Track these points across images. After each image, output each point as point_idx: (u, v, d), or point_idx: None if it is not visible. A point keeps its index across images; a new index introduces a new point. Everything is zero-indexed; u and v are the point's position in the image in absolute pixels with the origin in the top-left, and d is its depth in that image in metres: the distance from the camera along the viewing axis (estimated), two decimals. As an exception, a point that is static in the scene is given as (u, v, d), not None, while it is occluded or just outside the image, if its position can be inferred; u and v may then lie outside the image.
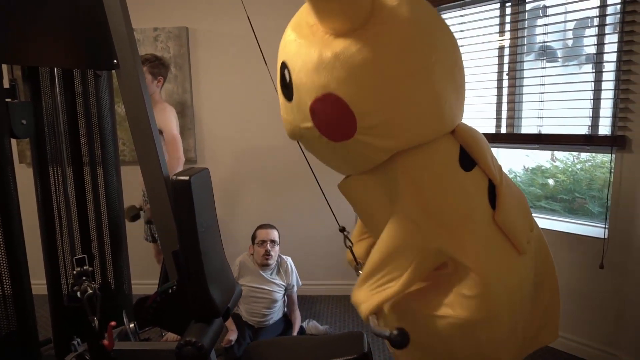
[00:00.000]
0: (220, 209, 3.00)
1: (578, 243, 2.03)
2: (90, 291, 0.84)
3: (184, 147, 2.78)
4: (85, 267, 0.84)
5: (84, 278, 0.84)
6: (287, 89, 1.11)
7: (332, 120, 1.03)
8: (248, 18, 1.43)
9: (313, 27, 1.03)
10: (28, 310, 1.04)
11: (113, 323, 0.93)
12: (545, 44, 2.16)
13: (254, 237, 2.50)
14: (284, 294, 2.52)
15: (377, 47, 0.95)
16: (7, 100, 1.09)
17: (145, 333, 1.17)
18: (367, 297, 1.08)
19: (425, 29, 1.00)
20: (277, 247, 2.50)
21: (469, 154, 1.08)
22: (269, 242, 2.44)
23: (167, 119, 2.29)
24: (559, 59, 2.25)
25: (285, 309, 2.55)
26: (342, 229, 1.32)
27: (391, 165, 1.07)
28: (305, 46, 1.03)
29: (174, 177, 1.05)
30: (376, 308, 1.07)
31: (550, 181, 3.00)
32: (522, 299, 1.06)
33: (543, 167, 3.03)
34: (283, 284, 2.51)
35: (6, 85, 1.12)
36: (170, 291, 1.15)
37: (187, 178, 1.05)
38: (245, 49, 2.60)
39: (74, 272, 0.86)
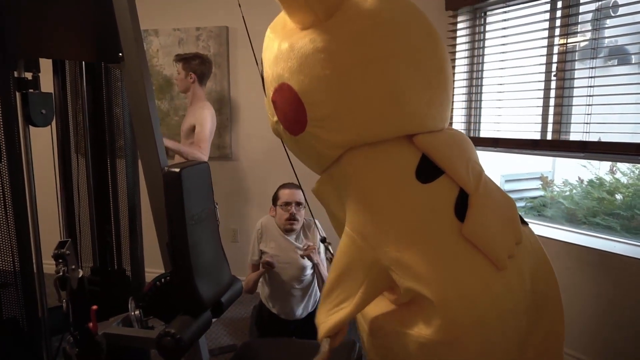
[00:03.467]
0: (253, 205, 3.06)
1: (630, 265, 1.80)
2: (60, 274, 0.87)
3: (221, 143, 2.86)
4: (62, 250, 0.87)
5: (60, 260, 0.87)
6: (263, 84, 1.14)
7: (286, 111, 1.03)
8: (243, 17, 1.44)
9: (286, 22, 1.03)
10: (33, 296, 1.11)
11: (95, 307, 0.96)
12: (602, 43, 1.95)
13: (275, 198, 2.23)
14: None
15: (330, 38, 0.93)
16: (29, 90, 1.18)
17: (151, 320, 1.19)
18: (324, 318, 1.03)
19: (387, 23, 0.95)
20: (302, 210, 2.19)
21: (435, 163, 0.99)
22: (294, 204, 2.14)
23: (204, 118, 2.35)
24: (613, 60, 2.02)
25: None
26: (324, 240, 1.28)
27: (344, 167, 1.01)
28: (272, 39, 1.05)
29: (165, 168, 1.07)
30: (331, 330, 1.01)
31: (618, 196, 2.72)
32: (501, 319, 0.94)
33: (602, 180, 2.75)
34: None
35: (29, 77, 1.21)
36: (163, 281, 1.18)
37: (177, 170, 1.06)
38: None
39: (52, 254, 0.89)
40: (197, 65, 2.41)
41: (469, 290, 0.92)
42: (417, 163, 0.99)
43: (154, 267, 1.53)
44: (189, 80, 2.40)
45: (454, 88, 1.10)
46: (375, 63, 0.94)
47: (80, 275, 0.98)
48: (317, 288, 2.27)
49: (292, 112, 1.01)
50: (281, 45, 1.00)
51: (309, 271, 2.21)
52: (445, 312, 0.89)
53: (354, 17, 0.95)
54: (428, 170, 0.99)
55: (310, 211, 2.18)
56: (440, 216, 0.97)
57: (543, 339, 1.04)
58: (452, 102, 2.47)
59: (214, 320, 1.20)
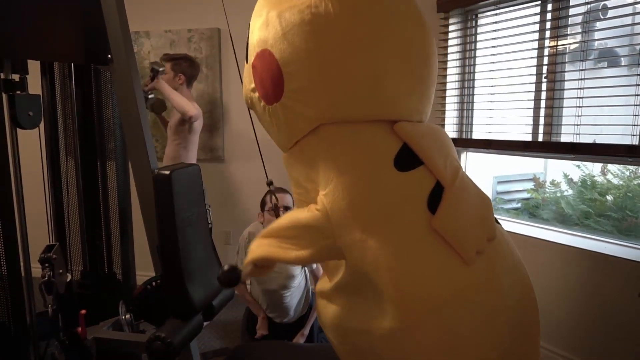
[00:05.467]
0: (246, 207, 3.05)
1: (620, 266, 1.82)
2: (46, 278, 0.85)
3: (213, 145, 2.85)
4: (48, 255, 0.86)
5: (46, 265, 0.86)
6: (247, 49, 1.15)
7: (264, 78, 1.02)
8: (225, 16, 1.44)
9: None
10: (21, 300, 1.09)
11: (83, 312, 0.95)
12: (592, 45, 1.96)
13: (263, 203, 2.23)
14: (303, 267, 2.20)
15: (319, 10, 0.92)
16: (16, 92, 1.17)
17: (142, 324, 1.18)
18: (262, 247, 1.03)
19: (378, 5, 0.95)
20: None
21: (415, 152, 0.99)
22: (282, 209, 2.11)
23: (189, 106, 2.36)
24: (602, 62, 2.04)
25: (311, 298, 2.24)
26: (270, 183, 1.31)
27: (318, 141, 1.01)
28: (262, 6, 1.04)
29: (155, 171, 1.06)
30: (261, 260, 1.03)
31: (609, 197, 2.74)
32: (469, 312, 0.94)
33: (594, 181, 2.77)
34: None
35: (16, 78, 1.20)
36: (154, 284, 1.16)
37: (167, 173, 1.05)
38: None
39: (38, 259, 0.88)
40: (187, 67, 2.41)
41: (427, 280, 0.92)
42: (397, 151, 0.98)
43: (144, 271, 1.52)
44: (177, 81, 2.39)
45: (442, 84, 1.10)
46: (360, 44, 0.94)
47: (68, 280, 0.97)
48: (309, 290, 2.26)
49: (270, 79, 1.01)
50: (270, 12, 1.00)
51: (298, 279, 2.20)
52: (400, 300, 0.89)
53: None
54: (407, 160, 0.98)
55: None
56: (412, 206, 0.96)
57: (523, 335, 1.04)
58: (445, 102, 2.50)
59: (205, 323, 1.19)
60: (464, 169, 1.08)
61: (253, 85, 1.10)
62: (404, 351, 0.92)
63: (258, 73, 1.06)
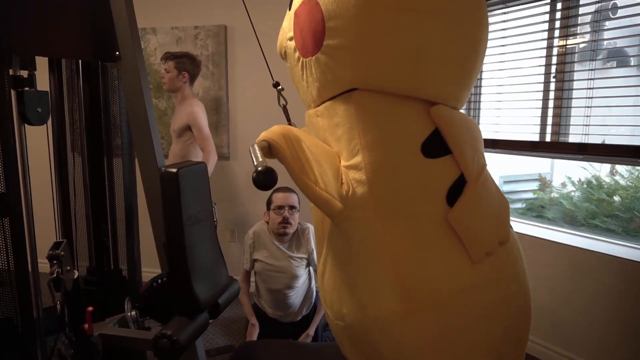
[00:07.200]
0: (251, 205, 3.05)
1: (627, 268, 1.80)
2: (54, 275, 0.86)
3: (217, 143, 2.85)
4: (56, 251, 0.86)
5: (54, 262, 0.86)
6: None
7: (305, 28, 0.99)
8: (247, 12, 1.43)
9: None
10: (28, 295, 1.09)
11: (90, 308, 0.95)
12: (601, 45, 1.94)
13: (269, 202, 2.22)
14: (307, 267, 2.22)
15: None
16: (24, 89, 1.17)
17: (148, 321, 1.18)
18: (289, 148, 0.95)
19: None
20: (296, 215, 2.16)
21: (445, 140, 0.96)
22: (287, 208, 2.13)
23: (197, 117, 2.35)
24: (612, 62, 2.02)
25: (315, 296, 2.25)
26: (276, 84, 1.26)
27: (350, 104, 0.97)
28: None
29: (162, 169, 1.06)
30: (274, 147, 0.95)
31: (616, 198, 2.72)
32: (471, 312, 0.93)
33: (600, 181, 2.75)
34: (304, 256, 2.18)
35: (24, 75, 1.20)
36: (160, 281, 1.17)
37: (174, 170, 1.05)
38: (280, 47, 2.61)
39: (47, 255, 0.88)
40: (190, 65, 2.40)
41: (429, 272, 0.91)
42: (427, 135, 0.95)
43: (150, 267, 1.52)
44: (180, 79, 2.39)
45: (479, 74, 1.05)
46: (412, 14, 0.89)
47: (75, 276, 0.97)
48: (313, 289, 2.27)
49: (310, 30, 0.97)
50: None
51: (302, 279, 2.20)
52: (399, 285, 0.88)
53: None
54: (435, 147, 0.95)
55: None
56: (431, 195, 0.94)
57: (512, 350, 1.03)
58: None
59: (210, 321, 1.19)
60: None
61: (291, 34, 1.06)
62: (396, 337, 0.91)
63: (300, 22, 1.02)
